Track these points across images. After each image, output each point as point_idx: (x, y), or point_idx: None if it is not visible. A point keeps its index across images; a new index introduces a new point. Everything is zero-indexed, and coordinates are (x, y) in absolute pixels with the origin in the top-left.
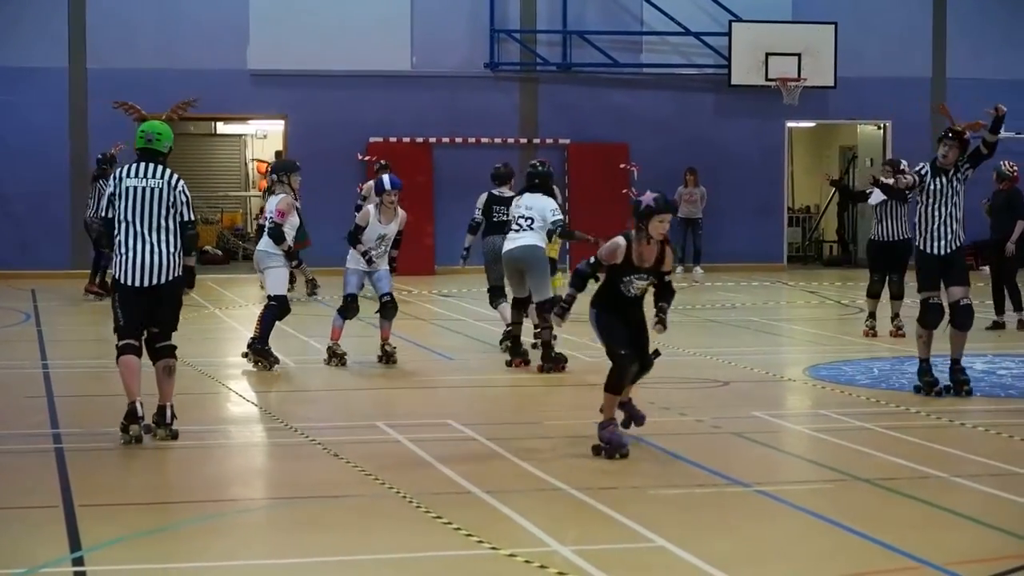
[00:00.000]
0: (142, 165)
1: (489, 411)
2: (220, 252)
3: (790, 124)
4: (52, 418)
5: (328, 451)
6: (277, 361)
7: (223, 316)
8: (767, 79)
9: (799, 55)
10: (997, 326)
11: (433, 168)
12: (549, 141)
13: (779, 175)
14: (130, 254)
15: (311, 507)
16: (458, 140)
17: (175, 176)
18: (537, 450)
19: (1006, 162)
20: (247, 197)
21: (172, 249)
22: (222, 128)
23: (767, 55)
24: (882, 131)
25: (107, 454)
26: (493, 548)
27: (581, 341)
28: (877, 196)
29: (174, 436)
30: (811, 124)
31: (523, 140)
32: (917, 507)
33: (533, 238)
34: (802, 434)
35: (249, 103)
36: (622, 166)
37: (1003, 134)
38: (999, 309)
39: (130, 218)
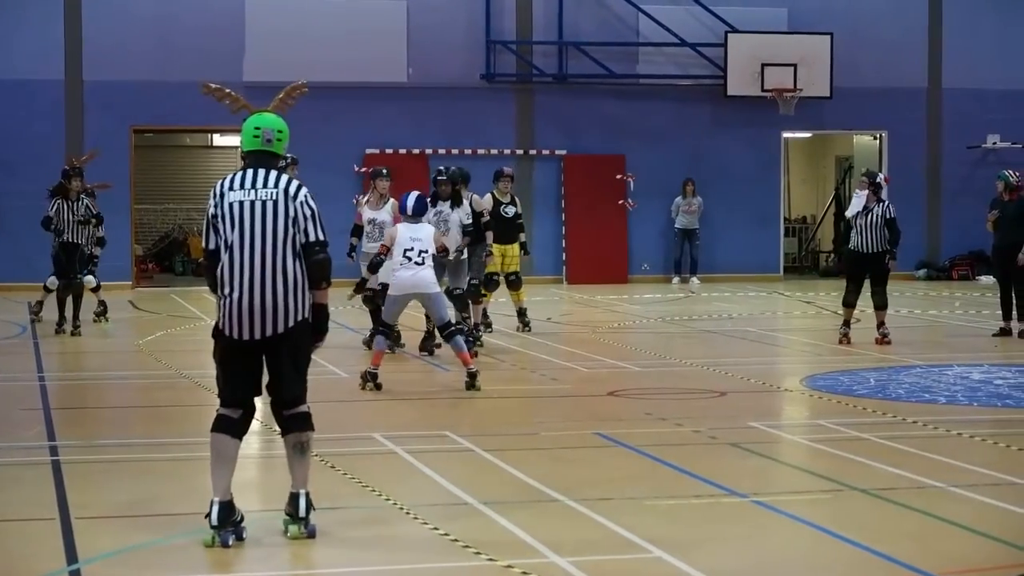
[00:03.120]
0: (249, 172)
1: (486, 422)
2: None
3: (786, 134)
4: (49, 430)
5: (325, 463)
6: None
7: None
8: (763, 90)
9: (795, 65)
10: (1004, 332)
11: (430, 179)
12: (545, 152)
13: (775, 185)
14: (235, 294)
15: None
16: (454, 151)
17: (293, 183)
18: (534, 461)
19: (1012, 172)
20: None
21: (293, 283)
22: (218, 140)
23: (763, 66)
24: (878, 141)
25: (104, 466)
26: (491, 559)
27: (577, 352)
28: (852, 209)
29: (311, 534)
30: (807, 134)
31: (519, 151)
32: (914, 517)
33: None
34: (799, 444)
35: (245, 115)
36: (618, 177)
37: (1000, 144)
38: (1008, 315)
39: (235, 244)
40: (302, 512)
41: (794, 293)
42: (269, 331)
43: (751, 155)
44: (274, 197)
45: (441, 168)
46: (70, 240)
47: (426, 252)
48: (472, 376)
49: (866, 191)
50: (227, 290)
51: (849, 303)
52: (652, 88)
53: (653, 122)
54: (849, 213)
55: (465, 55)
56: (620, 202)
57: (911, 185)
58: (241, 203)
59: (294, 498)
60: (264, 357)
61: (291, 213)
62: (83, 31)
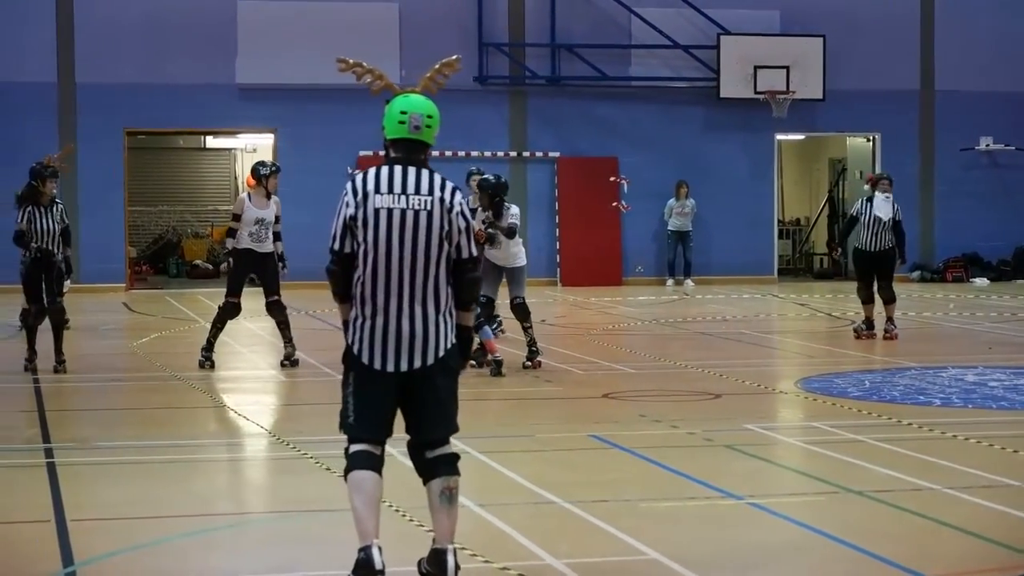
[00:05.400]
0: (398, 171)
1: (480, 423)
2: (211, 266)
3: (779, 137)
4: (44, 432)
5: (320, 465)
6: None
7: None
8: (756, 92)
9: (788, 68)
10: None
11: None
12: (538, 154)
13: (769, 188)
14: (379, 319)
15: (303, 521)
16: (448, 154)
17: (448, 186)
18: (529, 463)
19: None
20: None
21: (443, 306)
22: (212, 142)
23: (756, 68)
24: (871, 143)
25: (98, 468)
26: (486, 561)
27: (572, 354)
28: (884, 210)
29: None
30: (800, 136)
31: (512, 153)
32: (909, 519)
33: None
34: (794, 446)
35: (238, 117)
36: (611, 179)
37: (994, 147)
38: None
39: (381, 259)
40: (451, 572)
41: (788, 295)
42: (418, 362)
43: (744, 157)
44: (428, 206)
45: (481, 182)
46: (47, 248)
47: None
48: (499, 364)
49: (890, 193)
50: (368, 311)
51: (866, 299)
52: (645, 90)
53: (646, 124)
54: (884, 216)
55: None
56: (614, 204)
57: (904, 187)
58: (390, 211)
59: (439, 555)
60: (406, 389)
61: (445, 226)
62: (75, 33)
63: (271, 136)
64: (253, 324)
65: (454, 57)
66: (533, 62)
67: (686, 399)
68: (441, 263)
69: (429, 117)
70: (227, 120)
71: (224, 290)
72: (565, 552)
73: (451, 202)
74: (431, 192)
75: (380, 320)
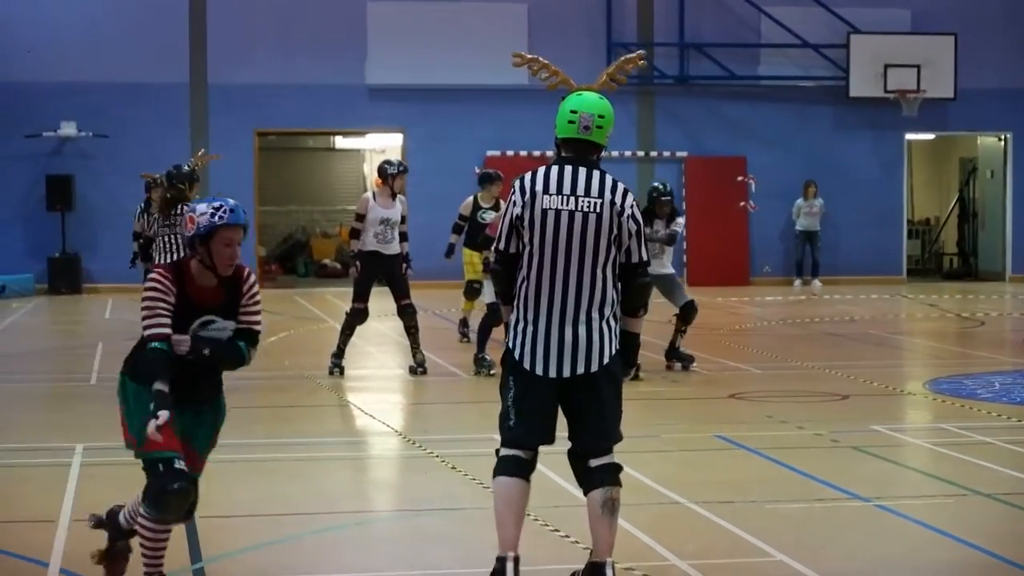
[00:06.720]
0: (568, 171)
1: None
2: (339, 266)
3: (909, 136)
4: None
5: (446, 464)
6: (491, 366)
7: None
8: (886, 91)
9: (918, 67)
10: None
11: None
12: (666, 154)
13: (898, 187)
14: (541, 323)
15: (430, 519)
16: None
17: (620, 187)
18: (655, 463)
19: None
20: None
21: (608, 311)
22: (341, 143)
23: (886, 67)
24: (1003, 143)
25: (226, 466)
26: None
27: (698, 354)
28: None
29: None
30: (930, 136)
31: (640, 153)
32: None
33: None
34: (922, 448)
35: (367, 117)
36: (739, 179)
37: None
38: None
39: (546, 262)
40: None
41: (917, 295)
42: (581, 369)
43: (873, 157)
44: (598, 209)
45: (659, 186)
46: None
47: None
48: (636, 368)
49: None
50: (530, 315)
51: None
52: (774, 89)
53: (774, 124)
54: None
55: (586, 57)
56: (741, 204)
57: None
58: (558, 212)
59: (598, 570)
60: (568, 396)
61: (614, 229)
62: (207, 35)
63: (400, 136)
64: (381, 324)
65: (636, 53)
66: (662, 62)
67: (813, 400)
68: (608, 267)
69: (601, 117)
70: (356, 121)
71: (351, 292)
72: (690, 553)
73: (622, 205)
74: (601, 194)
75: (543, 325)
